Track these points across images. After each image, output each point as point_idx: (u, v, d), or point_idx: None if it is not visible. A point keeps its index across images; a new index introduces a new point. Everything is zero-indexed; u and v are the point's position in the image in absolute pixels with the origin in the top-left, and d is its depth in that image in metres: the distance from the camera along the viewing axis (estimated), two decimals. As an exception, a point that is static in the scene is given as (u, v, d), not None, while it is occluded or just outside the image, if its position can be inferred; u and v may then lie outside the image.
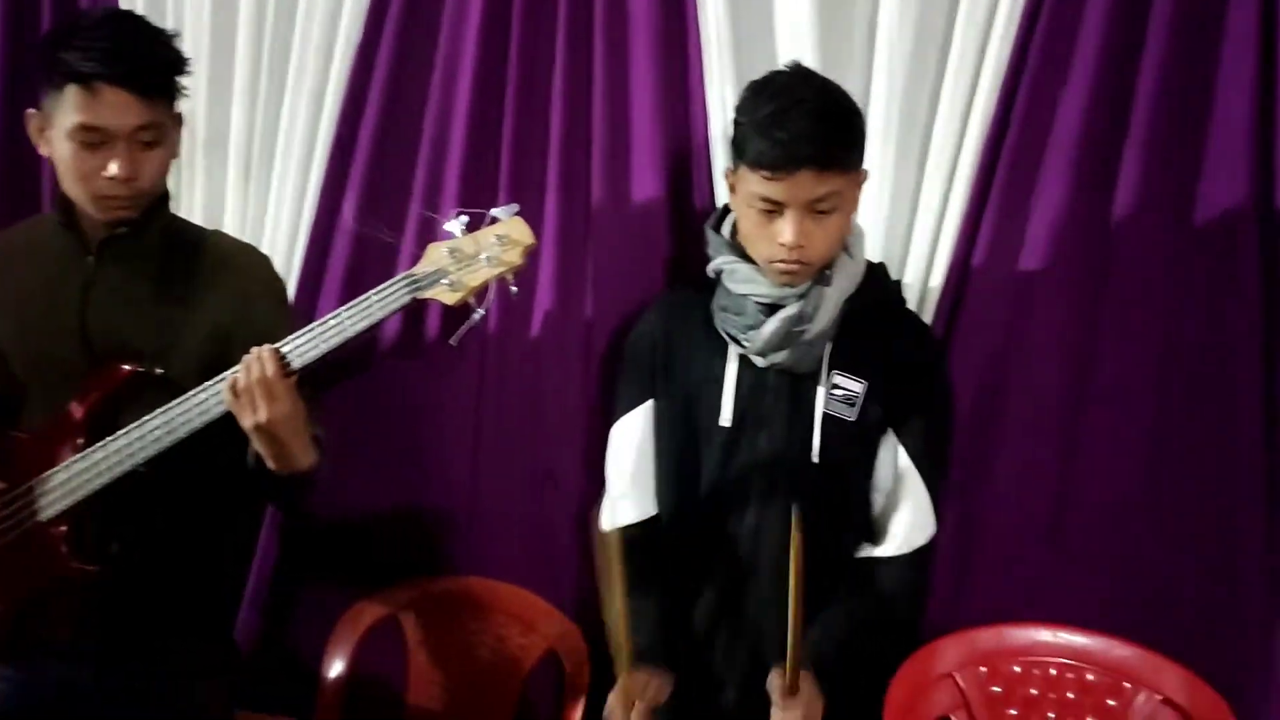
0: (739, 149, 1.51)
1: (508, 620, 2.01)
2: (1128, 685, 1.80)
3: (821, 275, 1.55)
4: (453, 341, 1.49)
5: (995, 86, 1.78)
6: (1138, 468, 1.82)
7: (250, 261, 1.69)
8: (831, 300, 1.55)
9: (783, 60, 1.76)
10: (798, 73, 1.54)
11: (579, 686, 1.89)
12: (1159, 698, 1.78)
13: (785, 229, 1.48)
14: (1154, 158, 1.76)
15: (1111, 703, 1.81)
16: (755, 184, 1.48)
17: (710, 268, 1.64)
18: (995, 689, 1.85)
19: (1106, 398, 1.83)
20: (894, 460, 1.61)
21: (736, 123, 1.53)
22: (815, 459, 1.57)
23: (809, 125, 1.44)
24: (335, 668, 1.97)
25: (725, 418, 1.61)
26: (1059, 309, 1.83)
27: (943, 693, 1.84)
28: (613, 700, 1.52)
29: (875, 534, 1.65)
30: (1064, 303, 1.82)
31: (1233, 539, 1.79)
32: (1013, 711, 1.84)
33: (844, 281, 1.57)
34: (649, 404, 1.69)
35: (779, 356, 1.56)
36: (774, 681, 1.47)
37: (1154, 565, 1.83)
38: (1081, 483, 1.85)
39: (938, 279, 1.85)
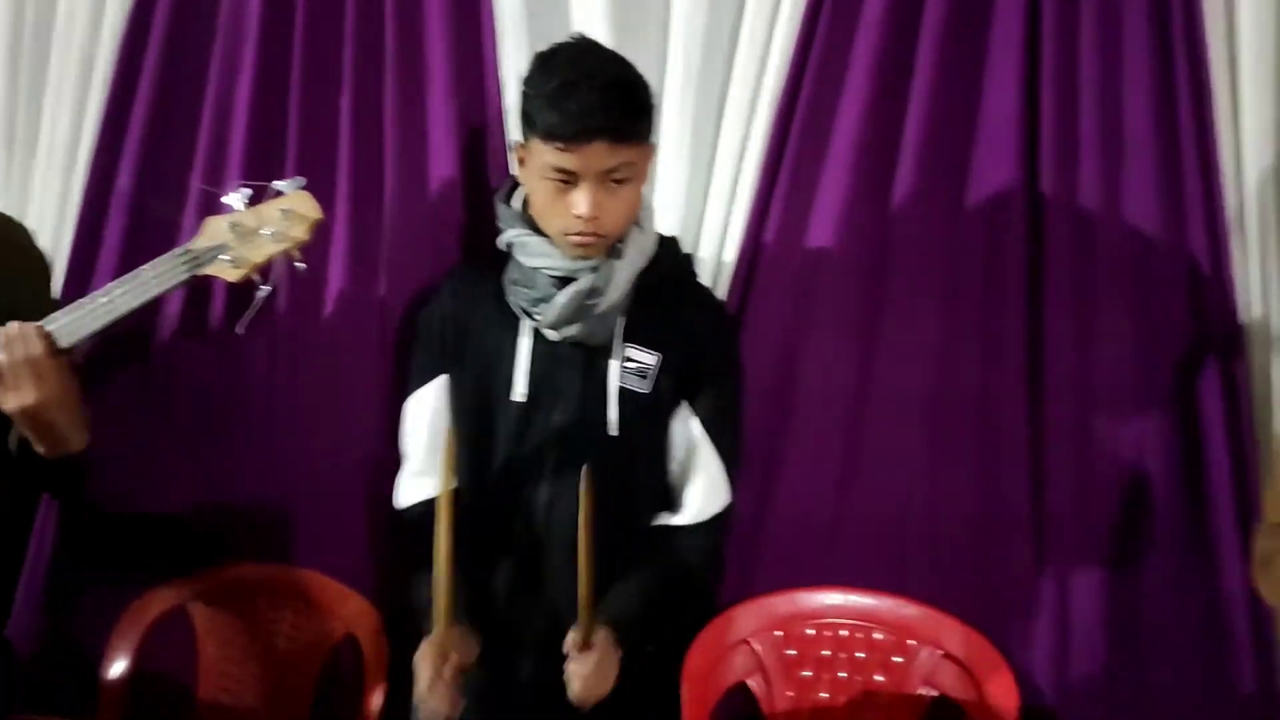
0: (529, 121, 1.50)
1: (303, 606, 1.95)
2: (912, 642, 1.89)
3: (613, 248, 1.56)
4: (239, 329, 1.43)
5: (784, 64, 1.83)
6: (918, 440, 1.91)
7: (10, 234, 1.58)
8: (623, 273, 1.56)
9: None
10: (584, 44, 1.54)
11: (378, 671, 1.85)
12: (940, 652, 1.87)
13: (580, 200, 1.48)
14: (930, 146, 1.84)
15: (897, 659, 1.90)
16: (548, 155, 1.47)
17: (501, 240, 1.63)
18: (790, 652, 1.91)
19: (890, 373, 1.90)
20: (687, 432, 1.64)
21: (525, 95, 1.51)
22: (611, 432, 1.59)
23: (600, 96, 1.44)
24: (118, 665, 1.87)
25: (518, 392, 1.60)
26: (846, 288, 1.89)
27: (739, 659, 1.89)
28: (424, 652, 1.48)
29: (673, 504, 1.68)
30: (850, 282, 1.89)
31: (1001, 505, 1.90)
32: (806, 673, 1.91)
33: (636, 254, 1.58)
34: (442, 378, 1.67)
35: (571, 330, 1.57)
36: (570, 637, 1.47)
37: (934, 529, 1.92)
38: (867, 453, 1.92)
39: (731, 254, 1.89)
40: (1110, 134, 1.81)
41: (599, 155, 1.46)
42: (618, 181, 1.49)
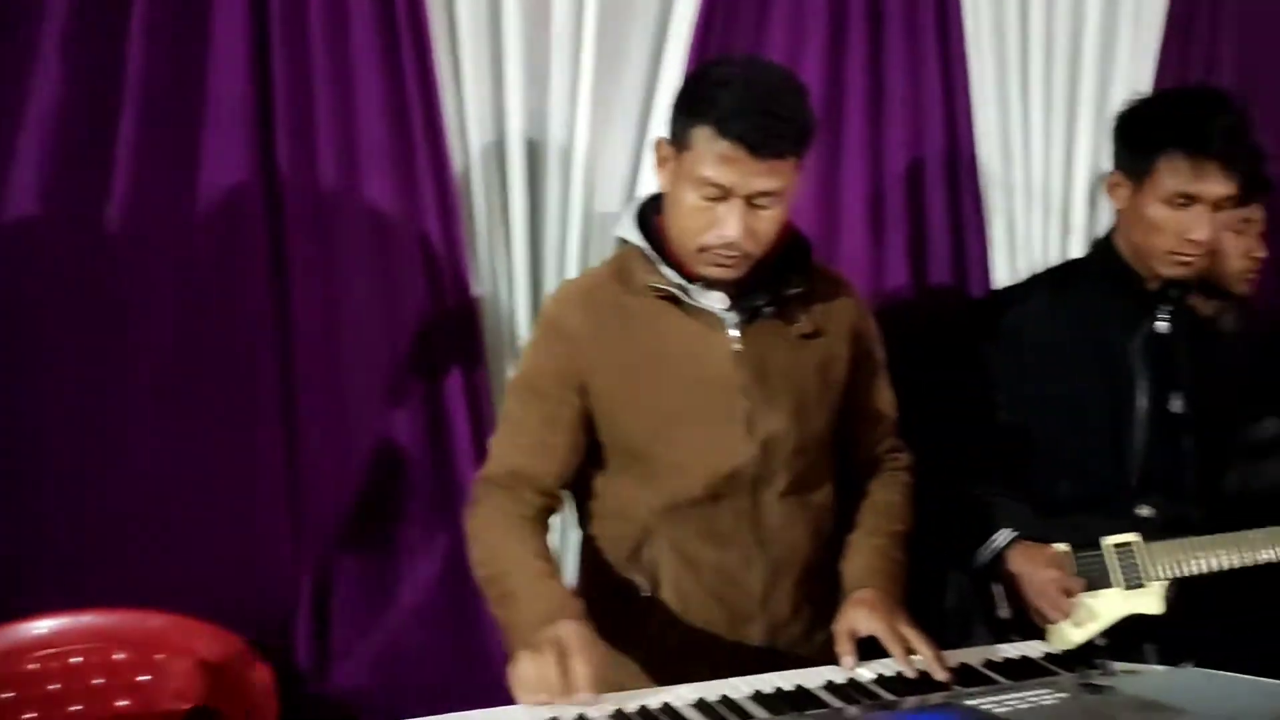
0: None
1: None
2: (160, 656, 1.75)
3: None
4: None
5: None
6: (164, 441, 1.78)
7: None
8: None
9: None
10: None
11: None
12: (193, 661, 1.74)
13: None
14: (148, 140, 1.70)
15: (144, 677, 1.74)
16: None
17: None
18: (8, 695, 1.64)
19: (134, 374, 1.75)
20: None
21: None
22: None
23: None
24: None
25: None
26: (65, 284, 1.70)
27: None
28: None
29: None
30: (68, 277, 1.70)
31: (258, 498, 1.83)
32: (30, 716, 1.65)
33: None
34: None
35: None
36: None
37: (187, 531, 1.80)
38: (108, 460, 1.76)
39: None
40: (343, 116, 1.79)
41: None
42: None
